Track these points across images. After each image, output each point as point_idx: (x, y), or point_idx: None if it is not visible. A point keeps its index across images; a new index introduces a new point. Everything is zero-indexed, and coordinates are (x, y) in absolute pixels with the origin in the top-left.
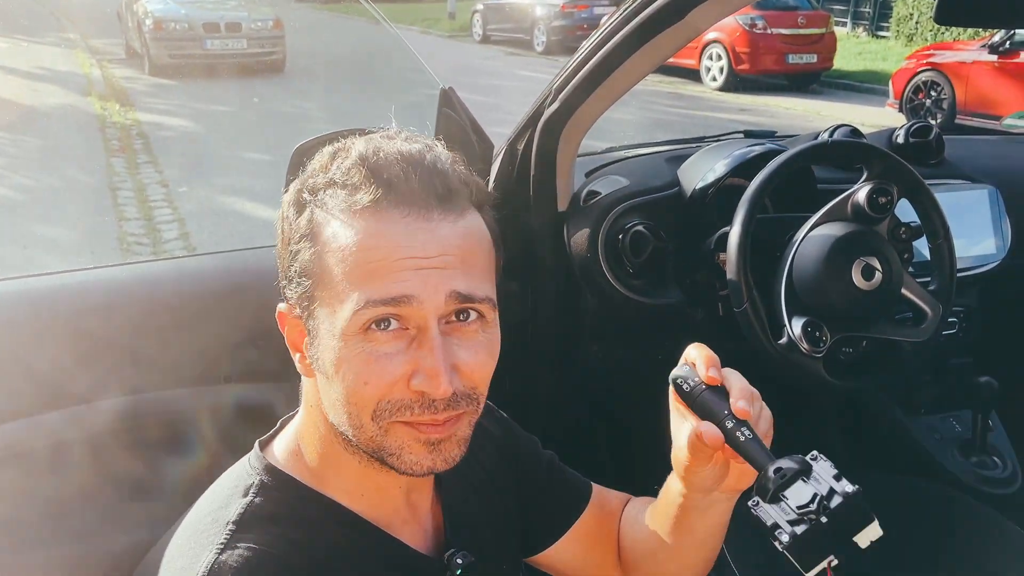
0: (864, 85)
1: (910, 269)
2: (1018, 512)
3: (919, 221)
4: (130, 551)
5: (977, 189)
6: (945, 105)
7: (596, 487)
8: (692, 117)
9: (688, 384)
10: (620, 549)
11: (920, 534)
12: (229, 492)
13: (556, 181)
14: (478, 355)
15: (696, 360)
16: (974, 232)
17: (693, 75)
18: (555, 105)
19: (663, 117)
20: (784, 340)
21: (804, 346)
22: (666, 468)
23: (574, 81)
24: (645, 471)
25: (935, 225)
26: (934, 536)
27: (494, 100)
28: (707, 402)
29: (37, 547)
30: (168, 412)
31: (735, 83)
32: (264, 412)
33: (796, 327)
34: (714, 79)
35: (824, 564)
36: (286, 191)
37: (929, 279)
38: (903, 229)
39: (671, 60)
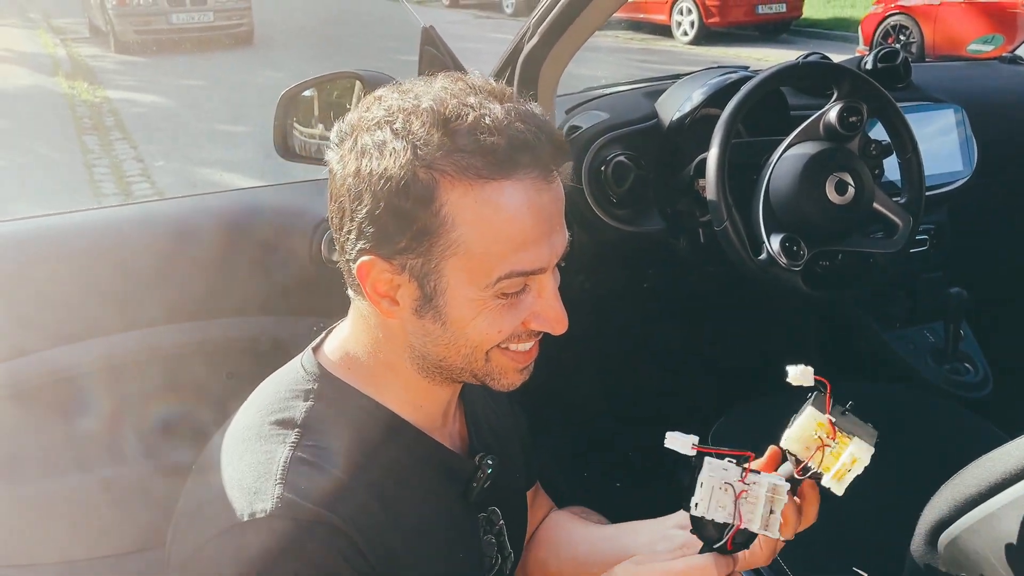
0: (834, 32)
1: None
2: (991, 413)
3: (888, 139)
4: (157, 474)
5: (943, 109)
6: (914, 48)
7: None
8: (665, 72)
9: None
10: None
11: (904, 435)
12: (287, 396)
13: None
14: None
15: None
16: (942, 151)
17: (664, 31)
18: (535, 39)
19: (636, 74)
20: (764, 256)
21: (783, 261)
22: (644, 395)
23: (553, 13)
24: (629, 396)
25: (903, 141)
26: (917, 436)
27: (468, 64)
28: None
29: (69, 472)
30: (179, 345)
31: (706, 36)
32: (273, 344)
33: (775, 243)
34: (685, 33)
35: None
36: (276, 137)
37: (899, 196)
38: (873, 146)
39: (642, 16)
